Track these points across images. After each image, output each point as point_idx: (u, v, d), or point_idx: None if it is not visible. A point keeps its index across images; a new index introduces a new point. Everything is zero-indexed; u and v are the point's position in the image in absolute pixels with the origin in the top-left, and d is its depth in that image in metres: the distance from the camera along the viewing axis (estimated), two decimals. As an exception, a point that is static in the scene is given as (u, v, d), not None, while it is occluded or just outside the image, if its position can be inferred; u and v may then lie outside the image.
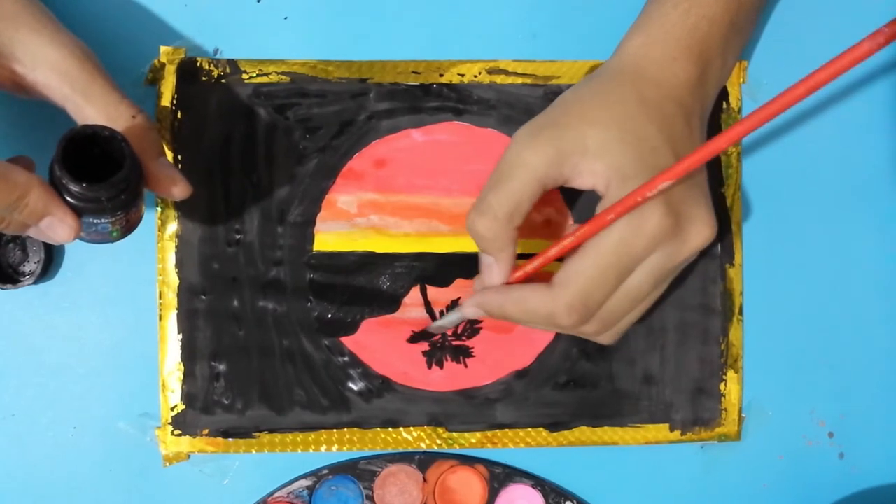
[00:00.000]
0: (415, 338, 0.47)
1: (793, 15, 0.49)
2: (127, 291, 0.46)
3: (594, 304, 0.40)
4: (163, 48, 0.46)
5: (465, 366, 0.48)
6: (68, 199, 0.36)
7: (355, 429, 0.47)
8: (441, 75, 0.47)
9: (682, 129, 0.41)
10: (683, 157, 0.37)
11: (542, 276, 0.42)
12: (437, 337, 0.47)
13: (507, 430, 0.48)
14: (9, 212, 0.36)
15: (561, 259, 0.41)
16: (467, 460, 0.48)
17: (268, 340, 0.47)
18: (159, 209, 0.46)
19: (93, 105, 0.38)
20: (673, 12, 0.42)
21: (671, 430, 0.48)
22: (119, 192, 0.36)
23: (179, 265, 0.46)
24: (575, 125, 0.39)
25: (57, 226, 0.36)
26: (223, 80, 0.46)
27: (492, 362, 0.48)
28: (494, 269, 0.41)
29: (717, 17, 0.42)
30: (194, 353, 0.46)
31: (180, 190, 0.40)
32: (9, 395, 0.46)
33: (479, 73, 0.47)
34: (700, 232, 0.40)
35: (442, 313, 0.47)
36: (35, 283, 0.45)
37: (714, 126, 0.48)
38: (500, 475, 0.48)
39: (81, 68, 0.38)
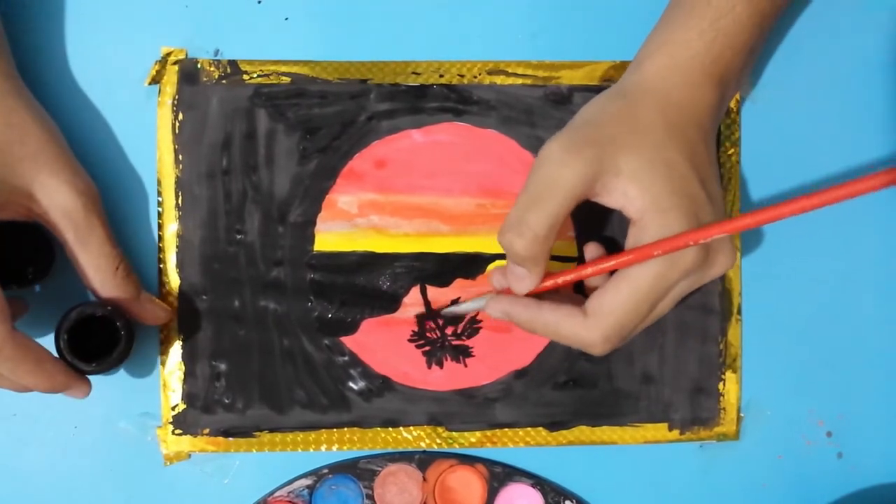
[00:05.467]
0: (422, 317, 0.47)
1: (792, 16, 0.49)
2: (128, 291, 0.47)
3: (627, 332, 0.41)
4: (164, 48, 0.46)
5: (465, 365, 0.48)
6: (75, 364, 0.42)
7: (355, 428, 0.47)
8: (441, 76, 0.47)
9: (702, 154, 0.41)
10: (717, 196, 0.41)
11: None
12: (436, 336, 0.48)
13: (506, 429, 0.48)
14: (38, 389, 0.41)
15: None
16: (467, 459, 0.48)
17: (268, 340, 0.47)
18: (160, 209, 0.46)
19: (87, 254, 0.42)
20: (698, 40, 0.42)
21: (670, 429, 0.48)
22: (119, 362, 0.43)
23: (180, 265, 0.46)
24: (607, 145, 0.40)
25: (74, 393, 0.43)
26: (224, 81, 0.47)
27: (491, 362, 0.48)
28: (526, 281, 0.41)
29: (739, 46, 0.42)
30: (195, 353, 0.47)
31: (161, 317, 0.45)
32: (9, 395, 0.46)
33: (479, 74, 0.48)
34: (723, 262, 0.41)
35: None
36: (38, 282, 0.45)
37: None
38: (500, 474, 0.48)
39: (87, 219, 0.42)
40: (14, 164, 0.40)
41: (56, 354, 0.42)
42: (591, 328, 0.40)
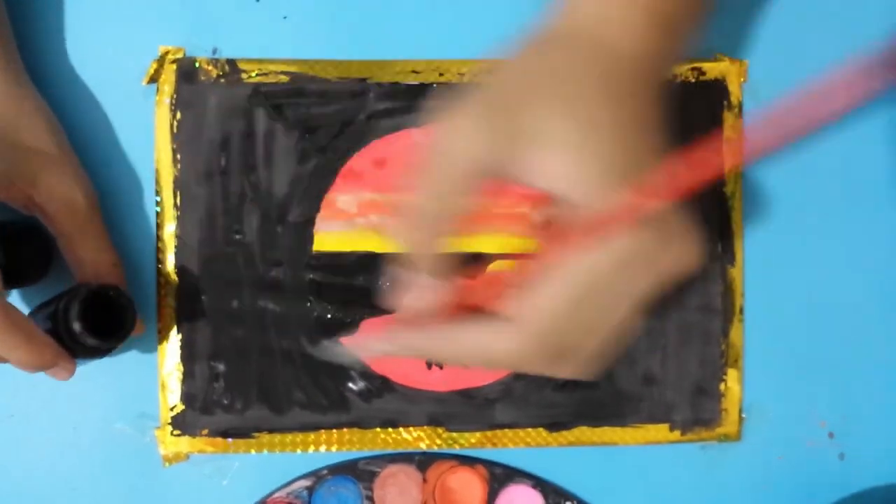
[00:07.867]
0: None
1: (793, 13, 0.49)
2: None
3: (568, 337, 0.33)
4: (161, 47, 0.46)
5: (465, 366, 0.47)
6: (70, 343, 0.40)
7: (355, 429, 0.47)
8: (441, 75, 0.47)
9: (645, 113, 0.33)
10: (665, 161, 0.31)
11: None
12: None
13: (506, 430, 0.48)
14: (24, 367, 0.39)
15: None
16: (467, 460, 0.48)
17: (267, 340, 0.47)
18: (158, 209, 0.46)
19: (86, 248, 0.42)
20: None
21: (671, 430, 0.48)
22: (119, 342, 0.42)
23: (179, 265, 0.46)
24: (522, 108, 0.32)
25: (59, 373, 0.41)
26: (222, 80, 0.46)
27: (492, 362, 0.48)
28: (430, 292, 0.34)
29: None
30: (193, 354, 0.46)
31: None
32: (8, 396, 0.46)
33: (480, 73, 0.47)
34: (686, 251, 0.32)
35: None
36: (36, 283, 0.45)
37: (714, 121, 0.48)
38: (500, 475, 0.48)
39: (86, 213, 0.42)
40: (23, 150, 0.40)
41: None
42: (519, 332, 0.32)
